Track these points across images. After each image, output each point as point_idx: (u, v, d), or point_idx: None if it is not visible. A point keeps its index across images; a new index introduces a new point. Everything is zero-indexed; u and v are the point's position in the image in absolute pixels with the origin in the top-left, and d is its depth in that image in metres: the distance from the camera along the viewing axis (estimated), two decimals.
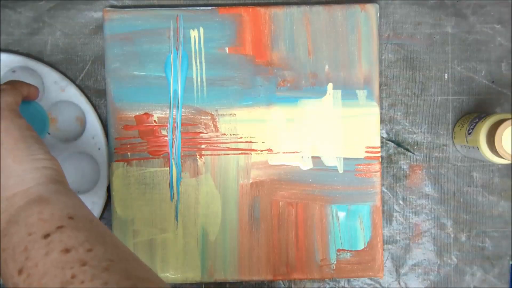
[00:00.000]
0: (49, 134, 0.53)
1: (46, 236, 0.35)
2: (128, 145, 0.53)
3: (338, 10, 0.52)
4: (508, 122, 0.46)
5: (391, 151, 0.55)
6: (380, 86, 0.54)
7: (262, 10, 0.53)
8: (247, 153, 0.53)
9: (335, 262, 0.53)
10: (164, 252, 0.52)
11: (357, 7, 0.52)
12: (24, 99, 0.46)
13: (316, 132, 0.53)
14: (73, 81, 0.54)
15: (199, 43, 0.53)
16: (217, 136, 0.53)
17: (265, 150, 0.53)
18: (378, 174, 0.53)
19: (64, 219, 0.36)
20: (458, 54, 0.55)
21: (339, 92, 0.53)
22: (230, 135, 0.53)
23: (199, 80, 0.53)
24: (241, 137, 0.53)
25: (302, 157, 0.53)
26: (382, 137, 0.55)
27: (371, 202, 0.53)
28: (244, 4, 0.54)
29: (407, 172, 0.55)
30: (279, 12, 0.53)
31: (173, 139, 0.53)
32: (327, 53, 0.53)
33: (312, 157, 0.53)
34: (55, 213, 0.36)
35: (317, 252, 0.53)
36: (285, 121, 0.53)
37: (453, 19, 0.54)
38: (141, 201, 0.53)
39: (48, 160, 0.40)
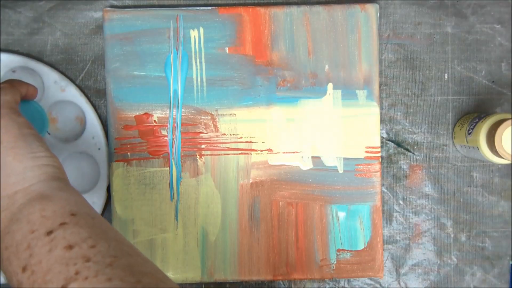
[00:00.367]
0: (49, 134, 0.53)
1: (49, 233, 0.35)
2: (128, 145, 0.53)
3: (338, 10, 0.53)
4: (508, 122, 0.46)
5: (391, 151, 0.55)
6: (380, 86, 0.54)
7: (262, 10, 0.53)
8: (247, 153, 0.53)
9: (335, 262, 0.53)
10: (164, 252, 0.52)
11: (357, 7, 0.52)
12: (23, 98, 0.46)
13: (316, 132, 0.53)
14: (73, 81, 0.54)
15: (199, 43, 0.53)
16: (217, 136, 0.53)
17: (265, 150, 0.53)
18: (378, 174, 0.53)
19: (67, 216, 0.36)
20: (458, 54, 0.55)
21: (339, 92, 0.53)
22: (230, 135, 0.53)
23: (199, 80, 0.53)
24: (241, 137, 0.53)
25: (302, 157, 0.53)
26: (382, 137, 0.55)
27: (371, 202, 0.53)
28: (244, 4, 0.54)
29: (407, 172, 0.55)
30: (279, 12, 0.53)
31: (173, 139, 0.53)
32: (327, 53, 0.53)
33: (312, 157, 0.53)
34: (57, 210, 0.36)
35: (317, 252, 0.53)
36: (285, 121, 0.53)
37: (453, 19, 0.54)
38: (141, 201, 0.53)
39: (48, 158, 0.40)
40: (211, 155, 0.53)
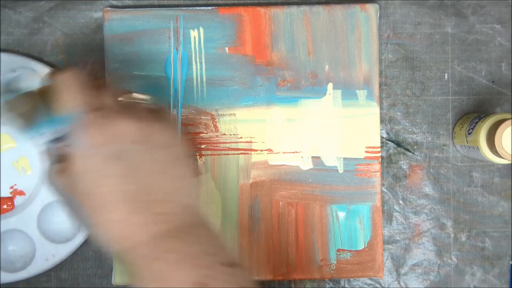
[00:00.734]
0: None
1: None
2: None
3: (338, 10, 0.52)
4: (508, 122, 0.46)
5: (391, 151, 0.55)
6: (380, 86, 0.54)
7: (262, 10, 0.53)
8: (247, 153, 0.53)
9: (335, 262, 0.53)
10: None
11: (357, 7, 0.52)
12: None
13: (316, 132, 0.53)
14: None
15: (199, 43, 0.53)
16: (217, 136, 0.53)
17: (265, 150, 0.53)
18: (378, 174, 0.53)
19: None
20: (458, 54, 0.55)
21: (339, 92, 0.53)
22: (230, 135, 0.53)
23: (199, 80, 0.53)
24: (241, 137, 0.53)
25: (302, 157, 0.53)
26: (382, 137, 0.55)
27: (371, 202, 0.53)
28: (244, 4, 0.54)
29: (407, 172, 0.55)
30: (279, 12, 0.53)
31: None
32: (327, 53, 0.53)
33: (312, 157, 0.53)
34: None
35: (317, 252, 0.53)
36: (285, 121, 0.53)
37: (453, 19, 0.54)
38: None
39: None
40: (211, 155, 0.53)
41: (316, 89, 0.53)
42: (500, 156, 0.47)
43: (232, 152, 0.53)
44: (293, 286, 0.54)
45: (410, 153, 0.55)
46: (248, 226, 0.53)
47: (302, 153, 0.53)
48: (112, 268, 0.53)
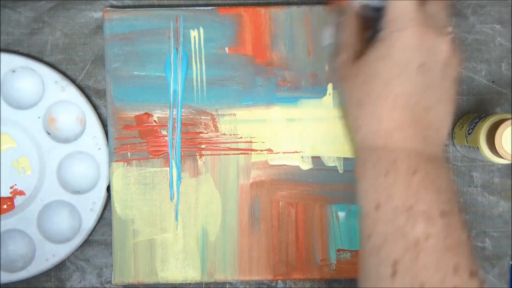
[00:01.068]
0: (49, 134, 0.53)
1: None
2: (128, 145, 0.53)
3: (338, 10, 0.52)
4: (508, 122, 0.46)
5: None
6: None
7: (262, 10, 0.53)
8: (247, 153, 0.53)
9: (335, 262, 0.53)
10: (164, 252, 0.52)
11: None
12: None
13: (316, 132, 0.53)
14: (73, 81, 0.54)
15: (199, 43, 0.53)
16: (217, 136, 0.53)
17: (265, 150, 0.53)
18: None
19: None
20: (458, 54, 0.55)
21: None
22: (230, 135, 0.53)
23: (199, 80, 0.53)
24: (241, 137, 0.53)
25: (302, 157, 0.53)
26: None
27: None
28: (244, 4, 0.54)
29: None
30: (279, 12, 0.53)
31: (173, 139, 0.53)
32: (327, 53, 0.53)
33: (312, 157, 0.53)
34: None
35: (317, 252, 0.53)
36: (285, 121, 0.53)
37: (453, 19, 0.54)
38: (141, 201, 0.53)
39: None
40: (211, 155, 0.53)
41: (316, 89, 0.53)
42: (500, 156, 0.47)
43: (232, 152, 0.53)
44: (293, 286, 0.54)
45: None
46: (248, 226, 0.53)
47: (302, 153, 0.53)
48: (112, 268, 0.53)
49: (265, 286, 0.54)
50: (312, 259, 0.53)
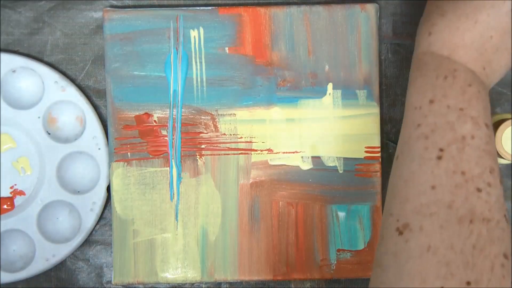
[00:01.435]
0: (49, 134, 0.53)
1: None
2: (128, 145, 0.53)
3: (338, 10, 0.53)
4: (508, 122, 0.46)
5: (391, 151, 0.55)
6: (380, 86, 0.54)
7: (262, 10, 0.53)
8: (247, 153, 0.53)
9: (335, 262, 0.53)
10: (164, 252, 0.52)
11: (357, 7, 0.52)
12: None
13: (316, 132, 0.53)
14: (73, 81, 0.54)
15: (199, 43, 0.53)
16: (217, 136, 0.53)
17: (265, 150, 0.53)
18: (378, 174, 0.53)
19: None
20: None
21: (339, 92, 0.53)
22: (230, 135, 0.53)
23: (199, 80, 0.53)
24: (241, 137, 0.53)
25: (302, 157, 0.53)
26: (382, 137, 0.55)
27: (371, 202, 0.53)
28: (244, 4, 0.54)
29: None
30: (279, 12, 0.53)
31: (173, 139, 0.53)
32: (327, 53, 0.53)
33: (312, 157, 0.53)
34: None
35: (317, 252, 0.53)
36: (285, 121, 0.53)
37: None
38: (141, 201, 0.53)
39: None
40: (211, 155, 0.53)
41: (316, 89, 0.53)
42: (500, 156, 0.47)
43: (232, 152, 0.53)
44: (293, 286, 0.54)
45: None
46: (248, 226, 0.53)
47: (302, 153, 0.53)
48: (112, 268, 0.53)
49: (265, 286, 0.54)
50: (312, 259, 0.53)
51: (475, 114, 0.38)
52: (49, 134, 0.53)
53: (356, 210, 0.53)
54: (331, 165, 0.53)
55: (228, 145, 0.53)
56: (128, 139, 0.53)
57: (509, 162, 0.48)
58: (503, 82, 0.54)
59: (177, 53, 0.53)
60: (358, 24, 0.52)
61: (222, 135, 0.53)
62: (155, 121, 0.53)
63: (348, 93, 0.53)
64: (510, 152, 0.46)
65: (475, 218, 0.36)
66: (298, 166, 0.53)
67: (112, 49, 0.52)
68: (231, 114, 0.53)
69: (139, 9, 0.53)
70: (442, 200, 0.36)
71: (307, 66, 0.53)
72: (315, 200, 0.53)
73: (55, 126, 0.53)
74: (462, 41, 0.40)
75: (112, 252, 0.53)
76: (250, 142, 0.53)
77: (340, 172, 0.53)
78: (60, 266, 0.54)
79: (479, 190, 0.37)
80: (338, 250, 0.53)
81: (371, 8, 0.52)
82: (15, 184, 0.53)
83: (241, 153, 0.53)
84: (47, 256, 0.53)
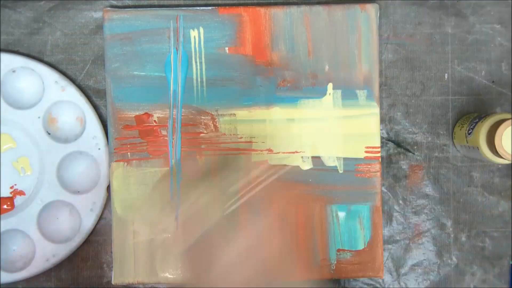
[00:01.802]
0: (49, 134, 0.53)
1: None
2: (128, 145, 0.53)
3: (338, 10, 0.53)
4: (508, 122, 0.46)
5: (391, 151, 0.55)
6: (380, 86, 0.54)
7: (262, 10, 0.53)
8: (247, 153, 0.53)
9: (335, 262, 0.53)
10: (164, 252, 0.52)
11: (357, 7, 0.52)
12: None
13: (316, 132, 0.53)
14: (73, 81, 0.54)
15: (199, 43, 0.53)
16: (217, 136, 0.53)
17: (265, 150, 0.53)
18: (378, 174, 0.53)
19: None
20: (458, 54, 0.55)
21: (339, 92, 0.53)
22: (230, 135, 0.53)
23: (199, 80, 0.53)
24: (241, 137, 0.53)
25: (302, 157, 0.53)
26: (382, 137, 0.55)
27: (371, 202, 0.53)
28: (244, 4, 0.54)
29: (407, 172, 0.55)
30: (279, 12, 0.53)
31: (173, 139, 0.53)
32: (327, 53, 0.53)
33: (312, 157, 0.53)
34: None
35: (317, 252, 0.53)
36: (285, 121, 0.53)
37: (453, 19, 0.54)
38: (141, 201, 0.52)
39: None
40: (211, 155, 0.53)
41: (316, 89, 0.53)
42: (500, 156, 0.47)
43: (232, 152, 0.53)
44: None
45: (410, 153, 0.55)
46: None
47: (302, 153, 0.53)
48: (112, 268, 0.53)
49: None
50: (312, 259, 0.53)
51: None
52: (49, 134, 0.53)
53: (356, 210, 0.53)
54: (331, 165, 0.53)
55: (228, 145, 0.53)
56: (128, 139, 0.53)
57: (509, 162, 0.48)
58: (503, 82, 0.54)
59: (177, 53, 0.53)
60: (358, 24, 0.52)
61: (222, 135, 0.53)
62: (155, 121, 0.53)
63: (348, 93, 0.53)
64: (510, 152, 0.46)
65: None
66: (298, 166, 0.53)
67: (112, 49, 0.52)
68: (231, 114, 0.53)
69: (139, 9, 0.53)
70: None
71: (307, 66, 0.53)
72: (315, 200, 0.53)
73: (55, 126, 0.53)
74: None
75: (112, 252, 0.53)
76: (250, 142, 0.53)
77: (340, 172, 0.53)
78: (60, 266, 0.54)
79: None
80: (338, 250, 0.53)
81: (371, 8, 0.52)
82: (15, 184, 0.53)
83: (241, 153, 0.53)
84: (47, 256, 0.53)
